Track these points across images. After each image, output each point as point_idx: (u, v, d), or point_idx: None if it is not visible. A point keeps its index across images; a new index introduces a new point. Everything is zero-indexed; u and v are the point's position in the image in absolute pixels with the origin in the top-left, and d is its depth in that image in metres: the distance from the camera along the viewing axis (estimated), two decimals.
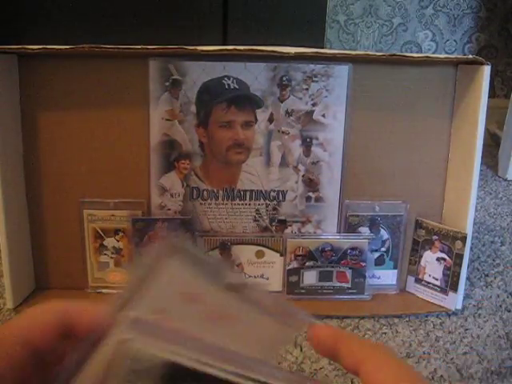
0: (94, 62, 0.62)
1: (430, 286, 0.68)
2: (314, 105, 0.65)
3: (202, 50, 0.59)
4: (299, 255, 0.66)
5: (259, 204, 0.67)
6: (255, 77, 0.63)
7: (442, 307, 0.66)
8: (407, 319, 0.65)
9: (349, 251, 0.66)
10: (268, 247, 0.67)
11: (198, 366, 0.20)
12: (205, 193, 0.66)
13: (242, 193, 0.66)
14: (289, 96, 0.64)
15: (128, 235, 0.65)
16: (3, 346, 0.23)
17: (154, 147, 0.64)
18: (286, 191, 0.67)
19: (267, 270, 0.68)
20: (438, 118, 0.67)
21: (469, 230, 0.65)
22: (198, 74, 0.62)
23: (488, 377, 0.55)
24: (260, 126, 0.65)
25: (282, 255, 0.67)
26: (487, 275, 0.78)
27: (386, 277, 0.70)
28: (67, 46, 0.57)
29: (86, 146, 0.64)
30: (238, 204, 0.66)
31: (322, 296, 0.67)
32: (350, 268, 0.67)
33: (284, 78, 0.64)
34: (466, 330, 0.64)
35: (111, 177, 0.65)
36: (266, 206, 0.67)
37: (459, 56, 0.64)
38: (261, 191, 0.66)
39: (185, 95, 0.63)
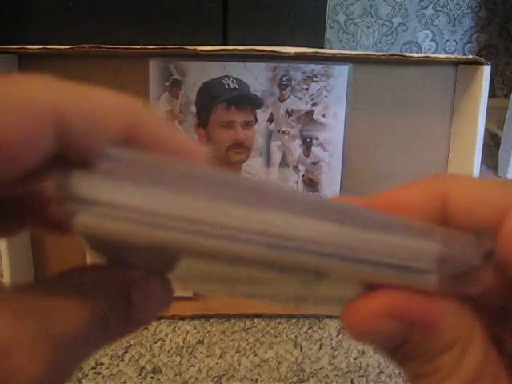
0: (93, 61, 0.62)
1: None
2: (314, 105, 0.65)
3: (202, 50, 0.59)
4: None
5: None
6: (255, 77, 0.63)
7: None
8: None
9: None
10: None
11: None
12: None
13: None
14: (289, 96, 0.64)
15: None
16: None
17: None
18: None
19: None
20: (438, 118, 0.67)
21: None
22: (198, 74, 0.62)
23: None
24: (260, 126, 0.65)
25: None
26: None
27: None
28: (67, 46, 0.57)
29: None
30: None
31: None
32: None
33: (284, 78, 0.64)
34: None
35: None
36: None
37: (459, 56, 0.64)
38: None
39: (185, 95, 0.63)
